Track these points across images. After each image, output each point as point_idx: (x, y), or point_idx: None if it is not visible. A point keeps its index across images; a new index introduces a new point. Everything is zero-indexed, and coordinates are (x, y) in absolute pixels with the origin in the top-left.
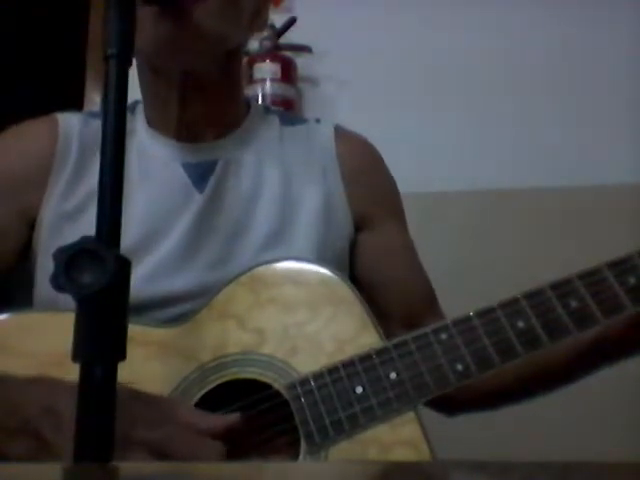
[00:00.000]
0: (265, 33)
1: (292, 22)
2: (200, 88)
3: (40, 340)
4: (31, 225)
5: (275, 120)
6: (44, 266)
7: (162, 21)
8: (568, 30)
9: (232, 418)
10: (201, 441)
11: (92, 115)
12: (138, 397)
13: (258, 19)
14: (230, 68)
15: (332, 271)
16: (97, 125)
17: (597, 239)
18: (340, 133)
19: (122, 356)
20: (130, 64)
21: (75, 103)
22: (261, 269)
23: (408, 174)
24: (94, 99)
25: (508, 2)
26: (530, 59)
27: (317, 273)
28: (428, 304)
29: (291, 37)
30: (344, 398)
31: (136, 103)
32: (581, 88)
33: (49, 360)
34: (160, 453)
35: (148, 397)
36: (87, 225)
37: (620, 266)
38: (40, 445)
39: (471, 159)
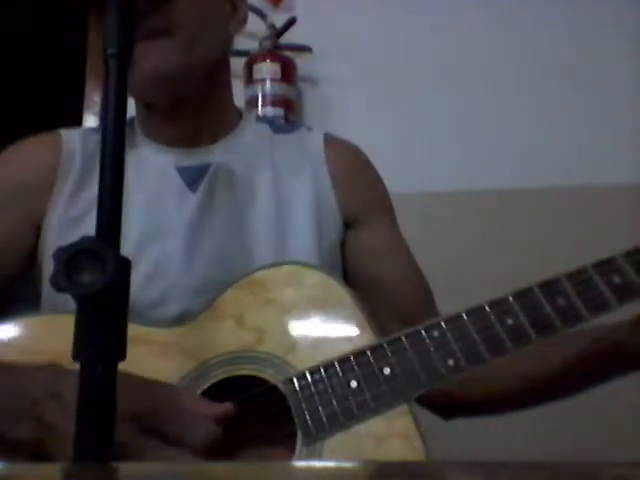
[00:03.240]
0: (265, 33)
1: (292, 22)
2: (185, 106)
3: (53, 340)
4: (37, 232)
5: (266, 128)
6: (50, 271)
7: (141, 59)
8: (568, 29)
9: (226, 406)
10: (195, 420)
11: (93, 130)
12: (128, 379)
13: (234, 21)
14: (215, 82)
15: (328, 272)
16: (98, 139)
17: (597, 239)
18: (329, 139)
19: (122, 356)
20: (130, 64)
21: (75, 103)
22: (261, 273)
23: (408, 174)
24: (94, 99)
25: (507, 1)
26: (530, 59)
27: (314, 275)
28: (423, 303)
29: (291, 37)
30: (339, 392)
31: (133, 118)
32: (581, 88)
33: (61, 358)
34: (151, 431)
35: (138, 379)
36: (90, 230)
37: (605, 266)
38: (43, 427)
39: (471, 159)
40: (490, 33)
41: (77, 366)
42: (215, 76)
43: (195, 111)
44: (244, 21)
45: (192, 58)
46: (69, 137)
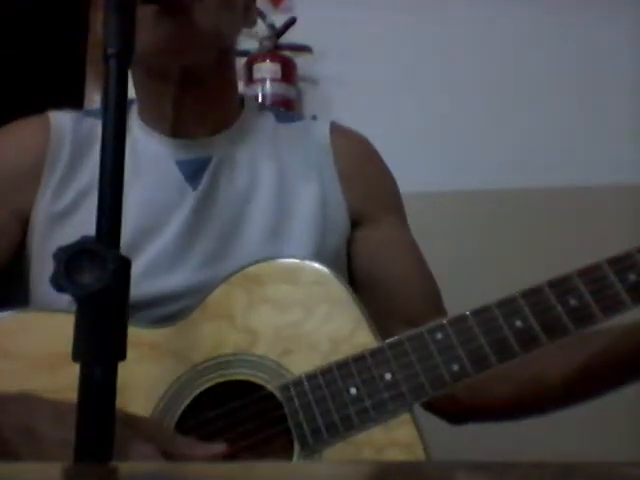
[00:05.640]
0: (265, 33)
1: (292, 22)
2: (196, 85)
3: (31, 341)
4: (24, 225)
5: (270, 117)
6: (37, 267)
7: (162, 20)
8: (569, 30)
9: (217, 449)
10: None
11: (85, 113)
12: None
13: (248, 15)
14: (225, 65)
15: (327, 269)
16: (90, 123)
17: (597, 239)
18: (336, 130)
19: (122, 356)
20: (130, 64)
21: (75, 103)
22: (255, 268)
23: (408, 174)
24: (94, 99)
25: (509, 2)
26: (531, 59)
27: (312, 271)
28: (431, 302)
29: (291, 37)
30: (338, 400)
31: (130, 102)
32: (581, 88)
33: (39, 362)
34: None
35: (128, 419)
36: (78, 225)
37: (620, 263)
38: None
39: (471, 159)
40: (490, 33)
41: (56, 374)
42: (225, 60)
43: (203, 91)
44: (253, 23)
45: (220, 23)
46: (58, 120)
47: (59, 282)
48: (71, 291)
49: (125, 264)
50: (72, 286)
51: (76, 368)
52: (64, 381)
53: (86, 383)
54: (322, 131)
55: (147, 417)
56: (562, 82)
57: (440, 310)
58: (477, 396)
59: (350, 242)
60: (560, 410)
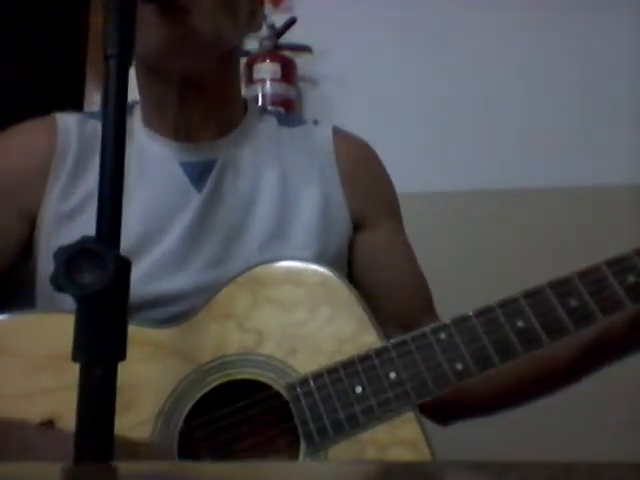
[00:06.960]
0: (265, 33)
1: (292, 22)
2: (198, 89)
3: (35, 342)
4: (31, 225)
5: (272, 121)
6: (44, 267)
7: (163, 24)
8: (569, 31)
9: None
10: None
11: (91, 115)
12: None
13: (253, 20)
14: (228, 68)
15: (330, 270)
16: (95, 125)
17: (597, 239)
18: (338, 134)
19: (122, 356)
20: (130, 64)
21: (75, 103)
22: (259, 269)
23: (408, 174)
24: (94, 99)
25: (509, 3)
26: (531, 59)
27: (315, 272)
28: (424, 305)
29: (291, 37)
30: (344, 398)
31: (133, 104)
32: (581, 88)
33: (43, 362)
34: None
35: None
36: (85, 226)
37: (619, 264)
38: None
39: (471, 159)
40: (490, 32)
41: (59, 374)
42: (228, 64)
43: (206, 95)
44: (259, 27)
45: (220, 27)
46: (64, 122)
47: (59, 282)
48: (71, 291)
49: (125, 264)
50: (72, 286)
51: (78, 368)
52: (66, 381)
53: (86, 383)
54: (324, 135)
55: (146, 441)
56: (562, 82)
57: (432, 313)
58: (464, 394)
59: (350, 245)
60: (534, 402)
